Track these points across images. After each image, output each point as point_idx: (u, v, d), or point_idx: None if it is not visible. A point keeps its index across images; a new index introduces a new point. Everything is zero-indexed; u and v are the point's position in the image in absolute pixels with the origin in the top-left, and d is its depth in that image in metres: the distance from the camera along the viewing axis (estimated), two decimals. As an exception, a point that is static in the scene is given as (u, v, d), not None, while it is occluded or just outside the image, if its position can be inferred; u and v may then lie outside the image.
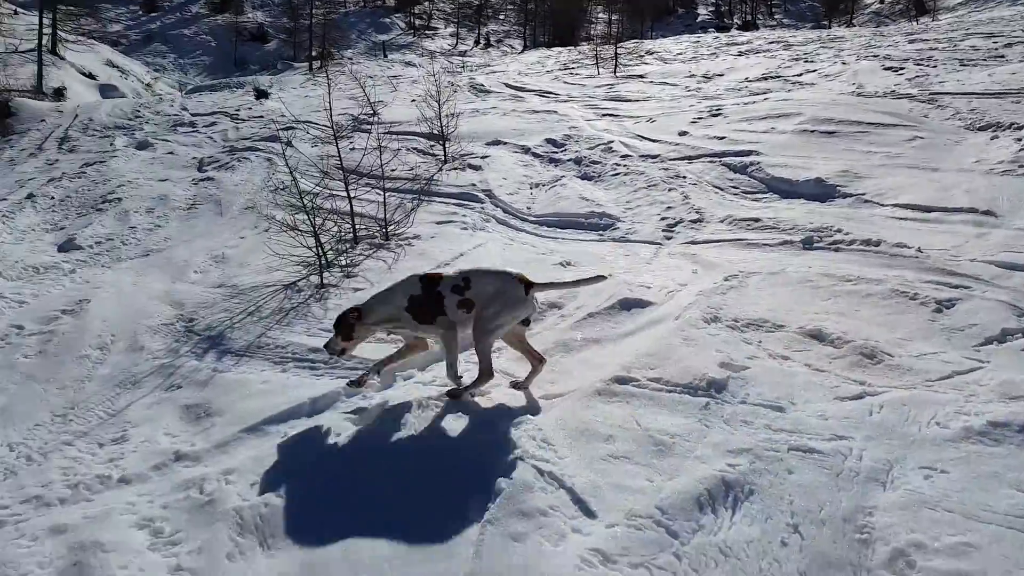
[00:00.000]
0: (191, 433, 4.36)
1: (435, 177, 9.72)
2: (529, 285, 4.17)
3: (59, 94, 24.61)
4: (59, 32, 30.79)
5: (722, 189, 7.97)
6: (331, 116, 7.68)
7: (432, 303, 4.26)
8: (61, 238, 9.24)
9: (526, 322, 4.38)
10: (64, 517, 3.54)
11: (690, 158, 9.08)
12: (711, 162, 8.75)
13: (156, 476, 3.93)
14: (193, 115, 17.19)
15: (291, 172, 7.39)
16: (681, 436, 3.63)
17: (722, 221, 7.05)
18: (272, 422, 4.34)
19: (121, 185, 11.40)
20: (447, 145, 10.66)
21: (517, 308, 4.14)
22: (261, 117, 15.87)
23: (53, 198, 11.15)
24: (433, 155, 10.77)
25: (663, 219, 7.37)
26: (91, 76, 31.12)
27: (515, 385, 4.35)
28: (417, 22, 51.41)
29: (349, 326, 4.39)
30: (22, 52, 28.23)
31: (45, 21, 29.71)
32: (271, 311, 6.12)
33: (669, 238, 6.95)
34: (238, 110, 17.26)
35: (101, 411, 4.70)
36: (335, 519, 3.44)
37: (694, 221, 7.19)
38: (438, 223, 8.02)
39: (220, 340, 5.68)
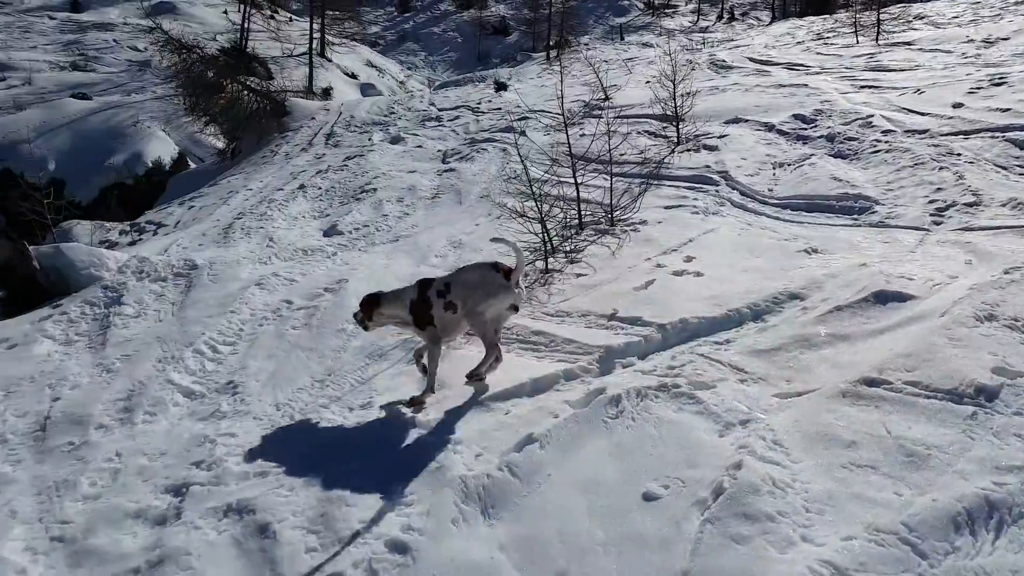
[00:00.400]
0: (427, 403, 4.78)
1: (666, 160, 9.55)
2: (507, 272, 4.52)
3: (327, 93, 28.06)
4: (327, 36, 35.01)
5: (1005, 168, 6.90)
6: (562, 104, 7.89)
7: (425, 309, 4.70)
8: (326, 224, 10.56)
9: (514, 308, 4.71)
10: (318, 472, 4.08)
11: (966, 133, 7.97)
12: (992, 137, 7.62)
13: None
14: (440, 110, 18.62)
15: (522, 160, 7.72)
16: (939, 448, 3.24)
17: (1004, 205, 6.12)
18: (496, 399, 4.60)
19: (376, 177, 12.73)
20: (681, 126, 10.41)
21: (499, 294, 4.56)
22: (499, 109, 16.74)
23: (320, 188, 12.76)
24: (665, 137, 10.59)
25: (931, 202, 6.56)
26: (353, 76, 35.00)
27: (472, 376, 4.64)
28: (656, 1, 50.62)
29: (369, 309, 4.89)
30: (296, 56, 32.53)
31: (315, 27, 33.99)
32: (500, 294, 6.48)
33: (938, 223, 6.17)
34: (479, 103, 18.38)
35: (353, 379, 5.32)
36: (552, 498, 3.57)
37: (969, 204, 6.32)
38: (667, 208, 7.89)
39: (458, 320, 6.14)
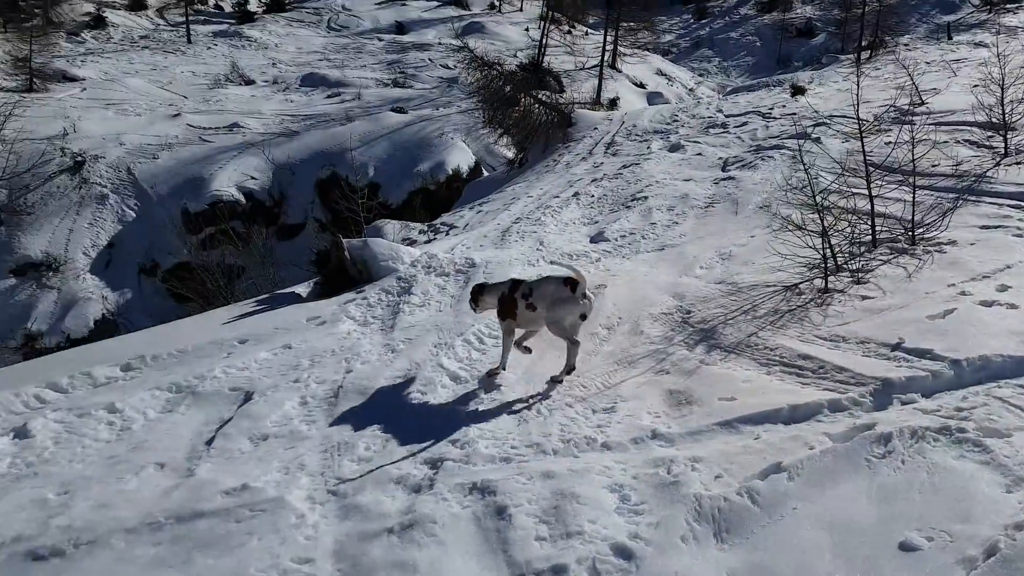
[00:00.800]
0: (670, 416, 4.78)
1: (988, 173, 8.33)
2: (574, 286, 5.45)
3: (613, 104, 28.83)
4: (619, 47, 35.98)
5: None
6: (857, 108, 7.30)
7: (510, 305, 5.70)
8: (593, 231, 10.93)
9: (582, 317, 5.59)
10: (554, 466, 4.30)
11: None
12: None
13: (633, 448, 4.43)
14: (726, 116, 18.22)
15: (804, 168, 7.29)
16: None
17: None
18: (746, 421, 4.45)
19: (649, 185, 12.86)
20: (1010, 136, 9.00)
21: (568, 305, 5.48)
22: (793, 114, 15.91)
23: (593, 196, 13.23)
24: (990, 147, 9.23)
25: None
26: (641, 85, 35.53)
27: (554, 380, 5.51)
28: (1000, -9, 43.95)
29: (476, 294, 6.01)
30: (588, 68, 33.87)
31: (609, 38, 35.13)
32: (766, 311, 6.21)
33: None
34: (771, 108, 17.63)
35: (600, 382, 5.49)
36: (794, 533, 3.39)
37: None
38: (983, 227, 6.91)
39: (711, 334, 6.02)
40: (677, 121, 19.37)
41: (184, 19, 39.25)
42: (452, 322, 7.14)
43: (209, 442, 5.19)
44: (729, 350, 5.65)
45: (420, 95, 31.46)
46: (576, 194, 13.48)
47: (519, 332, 5.91)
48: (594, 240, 10.39)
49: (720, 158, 14.30)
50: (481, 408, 5.31)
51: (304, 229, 24.61)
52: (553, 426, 4.82)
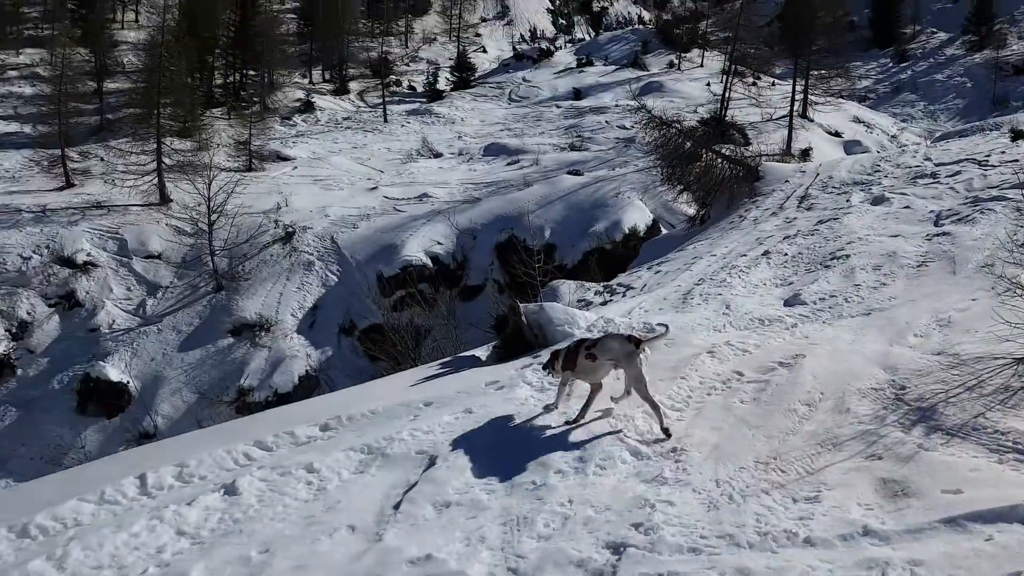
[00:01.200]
0: (884, 509, 4.26)
1: None
2: (638, 342, 6.15)
3: (805, 155, 27.56)
4: (810, 96, 34.53)
5: None
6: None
7: (572, 357, 6.44)
8: (787, 293, 10.31)
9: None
10: (750, 562, 3.94)
11: None
12: None
13: (841, 546, 3.98)
14: (936, 164, 16.80)
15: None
16: None
17: None
18: (977, 519, 3.87)
19: (851, 242, 12.00)
20: None
21: (630, 359, 6.06)
22: (1015, 161, 14.34)
23: (786, 255, 12.54)
24: None
25: None
26: (836, 134, 33.78)
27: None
28: None
29: (552, 359, 6.72)
30: (776, 119, 32.78)
31: (798, 88, 33.85)
32: (994, 388, 5.48)
33: None
34: (988, 155, 16.04)
35: (800, 466, 5.04)
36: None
37: None
38: None
39: (931, 414, 5.38)
40: (879, 171, 18.08)
41: (381, 100, 42.98)
42: (630, 398, 6.94)
43: (396, 506, 5.34)
44: (952, 433, 5.01)
45: (596, 156, 31.97)
46: (766, 252, 12.86)
47: (581, 385, 6.62)
48: (789, 303, 9.79)
49: (932, 211, 13.12)
50: (665, 489, 5.05)
51: (484, 290, 25.53)
52: (748, 515, 4.45)
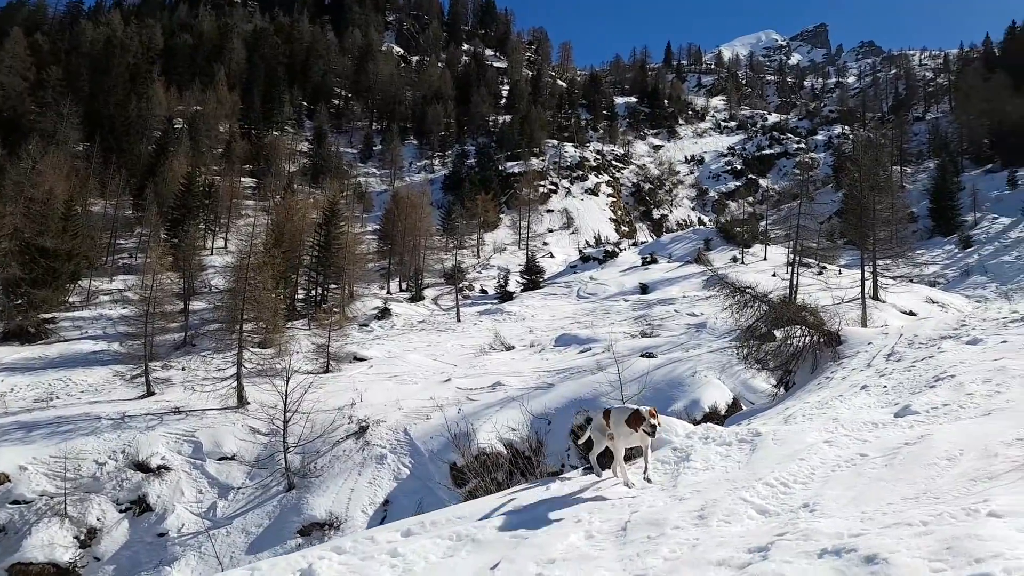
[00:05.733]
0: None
1: None
2: (638, 420, 6.76)
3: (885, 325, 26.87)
4: (879, 279, 34.46)
5: None
6: None
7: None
8: (897, 409, 9.62)
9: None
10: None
11: None
12: None
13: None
14: (1025, 315, 16.30)
15: None
16: None
17: None
18: None
19: (953, 366, 11.40)
20: None
21: (622, 431, 6.84)
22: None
23: (885, 387, 11.90)
24: None
25: None
26: (911, 313, 33.18)
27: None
28: None
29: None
30: (847, 302, 32.56)
31: (866, 272, 33.94)
32: None
33: None
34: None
35: (954, 495, 4.42)
36: None
37: None
38: None
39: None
40: (966, 325, 17.49)
41: (455, 304, 44.76)
42: (746, 475, 6.38)
43: (494, 567, 4.84)
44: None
45: (668, 341, 31.89)
46: (864, 387, 12.22)
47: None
48: (899, 415, 9.10)
49: (1036, 340, 12.45)
50: (802, 525, 4.46)
51: (561, 475, 24.49)
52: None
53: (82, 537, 25.02)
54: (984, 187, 56.12)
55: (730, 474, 6.76)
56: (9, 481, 25.68)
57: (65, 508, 25.21)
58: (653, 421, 6.65)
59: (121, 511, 26.22)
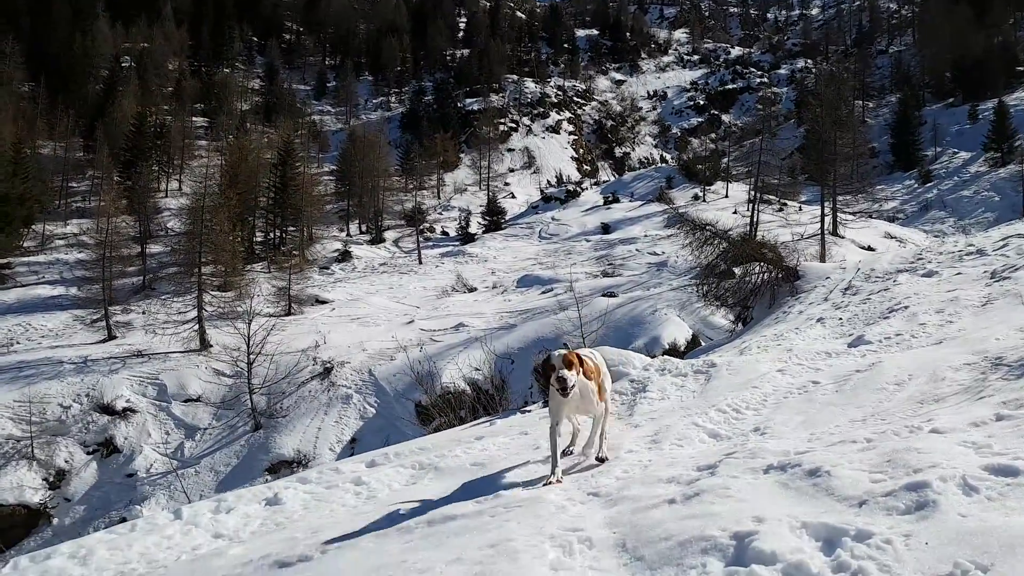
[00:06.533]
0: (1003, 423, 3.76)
1: None
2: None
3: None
4: (839, 215, 35.00)
5: None
6: None
7: None
8: (851, 340, 9.85)
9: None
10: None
11: None
12: None
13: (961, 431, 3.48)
14: (980, 247, 16.64)
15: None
16: None
17: None
18: None
19: (907, 297, 11.63)
20: None
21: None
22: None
23: (840, 319, 12.13)
24: None
25: None
26: (870, 248, 33.81)
27: None
28: None
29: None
30: (807, 238, 33.05)
31: (826, 209, 34.41)
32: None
33: None
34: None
35: (900, 416, 4.55)
36: None
37: None
38: None
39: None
40: (923, 259, 17.83)
41: (416, 246, 44.46)
42: (700, 403, 6.50)
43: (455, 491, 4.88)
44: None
45: (630, 280, 32.19)
46: (820, 319, 12.47)
47: None
48: (853, 344, 9.31)
49: (986, 271, 12.75)
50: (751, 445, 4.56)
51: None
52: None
53: (51, 479, 24.96)
54: (945, 121, 56.72)
55: (685, 402, 6.88)
56: (-28, 426, 25.39)
57: (32, 451, 25.03)
58: (564, 373, 4.57)
59: (89, 453, 26.13)
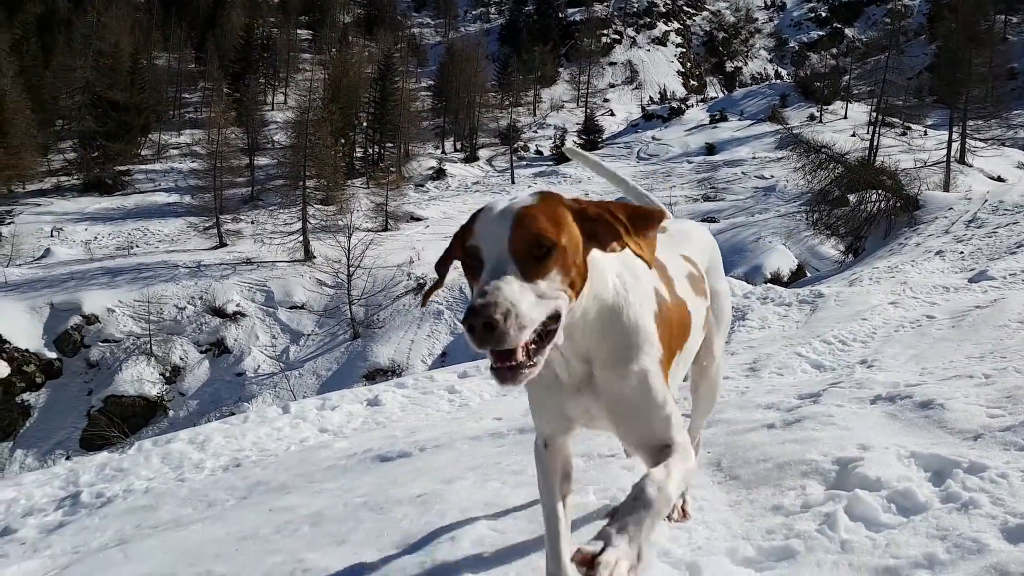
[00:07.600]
0: None
1: None
2: None
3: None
4: (967, 142, 32.46)
5: None
6: None
7: None
8: (972, 274, 9.30)
9: None
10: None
11: None
12: None
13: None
14: None
15: None
16: None
17: None
18: None
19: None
20: None
21: None
22: None
23: (962, 252, 11.49)
24: None
25: None
26: (999, 179, 31.37)
27: None
28: None
29: None
30: (930, 165, 30.90)
31: (954, 136, 31.92)
32: None
33: None
34: None
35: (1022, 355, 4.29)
36: None
37: None
38: None
39: None
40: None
41: (509, 165, 44.31)
42: (804, 333, 6.32)
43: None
44: None
45: (733, 205, 31.15)
46: (939, 252, 11.81)
47: None
48: (975, 280, 8.79)
49: None
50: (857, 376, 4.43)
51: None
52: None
53: (167, 374, 27.12)
54: (1099, 39, 51.05)
55: (787, 332, 6.72)
56: (99, 322, 27.68)
57: (151, 348, 27.10)
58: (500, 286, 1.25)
59: (201, 352, 28.14)
